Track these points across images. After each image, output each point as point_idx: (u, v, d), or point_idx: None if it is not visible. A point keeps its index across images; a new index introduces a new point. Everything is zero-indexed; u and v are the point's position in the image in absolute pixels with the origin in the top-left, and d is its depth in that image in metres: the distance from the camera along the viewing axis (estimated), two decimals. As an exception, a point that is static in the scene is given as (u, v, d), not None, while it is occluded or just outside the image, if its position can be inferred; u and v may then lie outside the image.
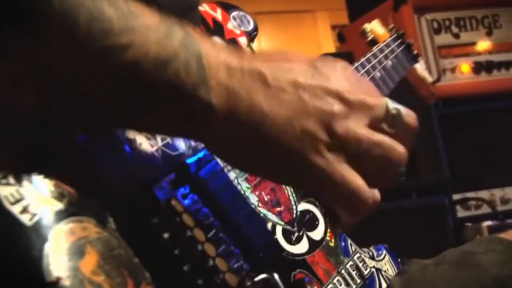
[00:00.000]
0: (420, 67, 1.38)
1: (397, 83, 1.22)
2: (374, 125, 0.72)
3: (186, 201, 0.75)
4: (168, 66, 0.63)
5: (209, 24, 1.01)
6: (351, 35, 2.50)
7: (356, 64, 1.12)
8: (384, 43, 1.26)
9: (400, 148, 0.74)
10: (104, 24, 0.61)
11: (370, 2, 2.42)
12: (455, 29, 2.32)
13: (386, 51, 1.24)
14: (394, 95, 1.73)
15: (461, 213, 2.19)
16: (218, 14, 1.04)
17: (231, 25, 1.05)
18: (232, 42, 1.02)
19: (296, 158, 0.69)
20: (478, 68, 2.30)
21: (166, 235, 0.71)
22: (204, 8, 1.02)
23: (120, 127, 0.72)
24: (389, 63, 1.23)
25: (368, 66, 1.15)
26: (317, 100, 0.70)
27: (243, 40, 1.05)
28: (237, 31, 1.05)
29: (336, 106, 0.70)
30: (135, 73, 0.62)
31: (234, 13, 1.08)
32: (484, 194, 2.23)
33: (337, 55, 2.20)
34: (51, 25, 0.59)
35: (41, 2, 0.58)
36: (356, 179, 0.70)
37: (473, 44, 2.34)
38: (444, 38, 2.30)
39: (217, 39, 0.96)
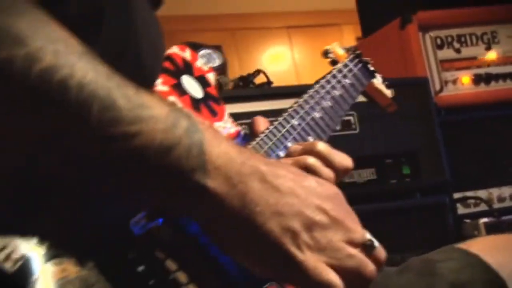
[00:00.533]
0: (377, 81, 1.40)
1: (356, 98, 1.27)
2: (350, 245, 0.75)
3: (160, 234, 0.75)
4: (171, 152, 0.66)
5: (178, 64, 1.01)
6: (363, 50, 2.58)
7: (316, 86, 1.17)
8: (342, 64, 1.29)
9: (371, 267, 0.75)
10: (115, 114, 0.63)
11: (380, 20, 2.50)
12: (456, 45, 2.39)
13: (344, 71, 1.27)
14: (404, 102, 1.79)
15: (461, 210, 2.27)
16: (187, 54, 1.04)
17: (199, 63, 1.05)
18: (201, 78, 1.03)
19: (276, 249, 0.71)
20: (477, 79, 2.38)
21: (141, 268, 0.71)
22: (174, 50, 1.03)
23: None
24: (347, 81, 1.25)
25: (328, 87, 1.19)
26: (305, 207, 0.73)
27: (211, 76, 1.06)
28: (205, 68, 1.06)
29: (320, 217, 0.74)
30: (139, 157, 0.65)
31: (202, 52, 1.09)
32: (482, 193, 2.30)
33: None
34: (65, 112, 0.62)
35: (58, 92, 0.61)
36: (329, 274, 0.72)
37: (473, 58, 2.41)
38: (447, 53, 2.37)
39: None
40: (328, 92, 1.18)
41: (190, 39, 4.79)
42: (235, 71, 5.66)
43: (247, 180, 0.70)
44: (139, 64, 0.86)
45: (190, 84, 0.99)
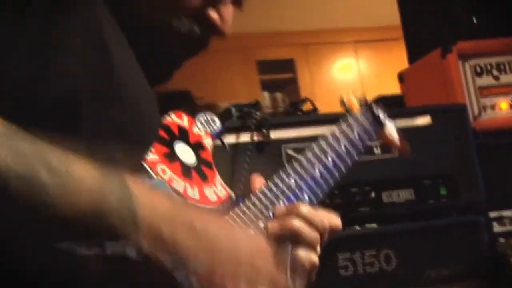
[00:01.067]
0: (387, 131, 1.32)
1: (362, 150, 1.20)
2: None
3: None
4: (103, 221, 0.64)
5: (174, 132, 0.98)
6: (409, 76, 2.58)
7: (321, 141, 1.12)
8: (352, 117, 1.24)
9: None
10: (40, 191, 0.60)
11: (425, 48, 2.47)
12: (495, 72, 2.34)
13: (353, 124, 1.21)
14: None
15: (497, 228, 2.23)
16: (184, 121, 1.01)
17: (196, 128, 1.02)
18: (197, 143, 1.00)
19: None
20: (516, 105, 2.32)
21: None
22: (170, 118, 1.00)
23: None
24: (354, 134, 1.19)
25: (333, 142, 1.14)
26: (236, 264, 0.73)
27: (207, 141, 1.03)
28: (202, 133, 1.02)
29: (250, 273, 0.74)
30: (69, 227, 0.63)
31: (201, 117, 1.04)
32: (517, 212, 2.25)
33: (389, 98, 2.28)
34: None
35: None
36: None
37: (512, 85, 2.35)
38: (486, 80, 2.33)
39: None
40: (332, 148, 1.13)
41: (266, 54, 4.87)
42: (306, 82, 5.72)
43: (180, 240, 0.69)
44: (127, 143, 0.84)
45: (183, 151, 0.97)
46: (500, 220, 2.23)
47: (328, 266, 1.95)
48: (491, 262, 2.10)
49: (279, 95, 5.68)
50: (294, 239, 0.91)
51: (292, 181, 1.03)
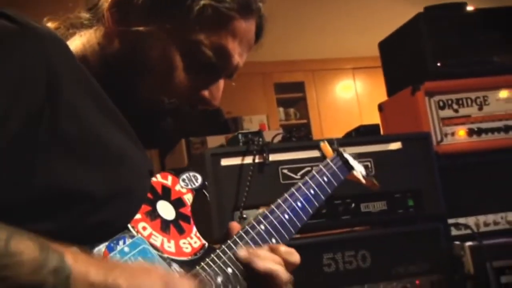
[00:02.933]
0: (356, 172, 1.24)
1: (330, 193, 1.10)
2: None
3: None
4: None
5: (157, 191, 0.89)
6: (386, 107, 2.55)
7: (293, 188, 1.04)
8: (324, 163, 1.14)
9: None
10: None
11: (400, 85, 2.44)
12: (455, 106, 2.31)
13: (324, 170, 1.12)
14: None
15: (454, 232, 2.21)
16: (169, 180, 0.91)
17: (179, 186, 0.92)
18: (178, 200, 0.90)
19: None
20: (471, 132, 2.29)
21: None
22: (156, 178, 0.91)
23: None
24: (324, 179, 1.09)
25: (304, 188, 1.04)
26: None
27: (188, 197, 0.92)
28: (184, 190, 0.92)
29: None
30: None
31: (184, 176, 0.93)
32: (471, 220, 2.23)
33: (368, 126, 2.24)
34: None
35: None
36: None
37: (468, 116, 2.32)
38: (447, 112, 2.30)
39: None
40: (302, 193, 1.03)
41: (281, 78, 4.89)
42: (313, 100, 5.70)
43: None
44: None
45: (164, 208, 0.88)
46: (456, 226, 2.21)
47: (314, 264, 1.95)
48: (448, 260, 2.08)
49: (291, 110, 5.71)
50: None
51: (262, 227, 0.94)
